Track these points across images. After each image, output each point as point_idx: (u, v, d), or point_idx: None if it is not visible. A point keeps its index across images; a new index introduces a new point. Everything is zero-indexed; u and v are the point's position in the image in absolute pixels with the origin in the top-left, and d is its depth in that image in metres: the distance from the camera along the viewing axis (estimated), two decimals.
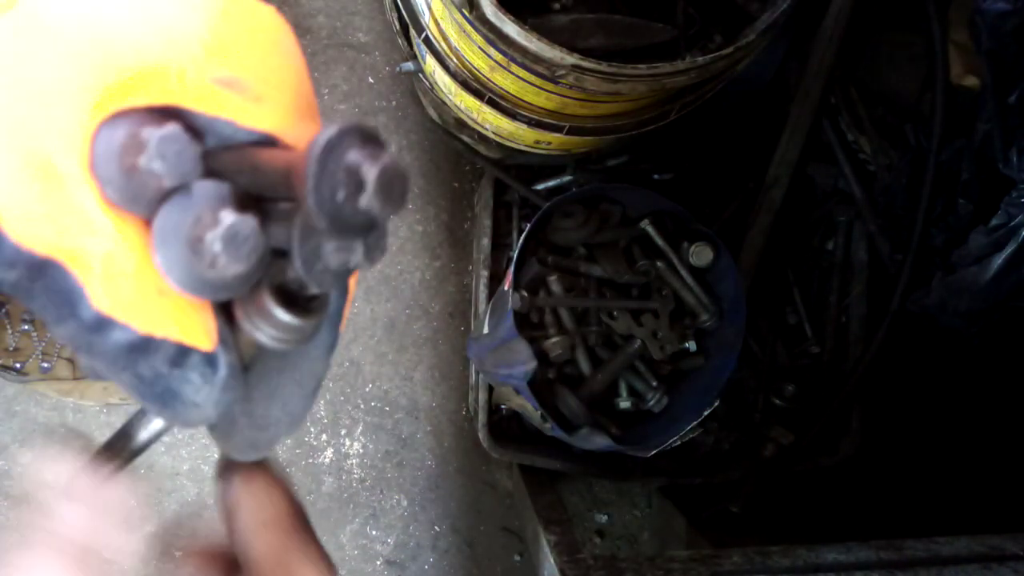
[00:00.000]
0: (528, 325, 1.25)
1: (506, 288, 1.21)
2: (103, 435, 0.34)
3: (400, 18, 1.34)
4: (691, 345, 1.27)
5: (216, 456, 0.37)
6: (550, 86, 1.04)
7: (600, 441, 1.17)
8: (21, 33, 0.26)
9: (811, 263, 1.56)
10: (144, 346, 0.28)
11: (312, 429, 1.67)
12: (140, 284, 0.27)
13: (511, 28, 0.94)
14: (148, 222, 0.27)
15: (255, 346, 0.31)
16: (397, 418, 1.69)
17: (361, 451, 1.68)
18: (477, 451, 1.67)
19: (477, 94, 1.18)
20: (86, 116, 0.26)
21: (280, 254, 0.27)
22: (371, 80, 1.71)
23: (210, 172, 0.27)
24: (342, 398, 1.68)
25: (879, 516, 1.51)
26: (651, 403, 1.27)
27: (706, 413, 1.21)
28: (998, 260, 1.13)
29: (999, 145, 1.14)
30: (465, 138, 1.55)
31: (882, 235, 1.48)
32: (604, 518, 1.73)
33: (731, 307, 1.25)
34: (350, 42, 1.70)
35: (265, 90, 0.30)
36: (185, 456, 1.64)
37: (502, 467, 1.71)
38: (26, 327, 1.50)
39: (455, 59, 1.17)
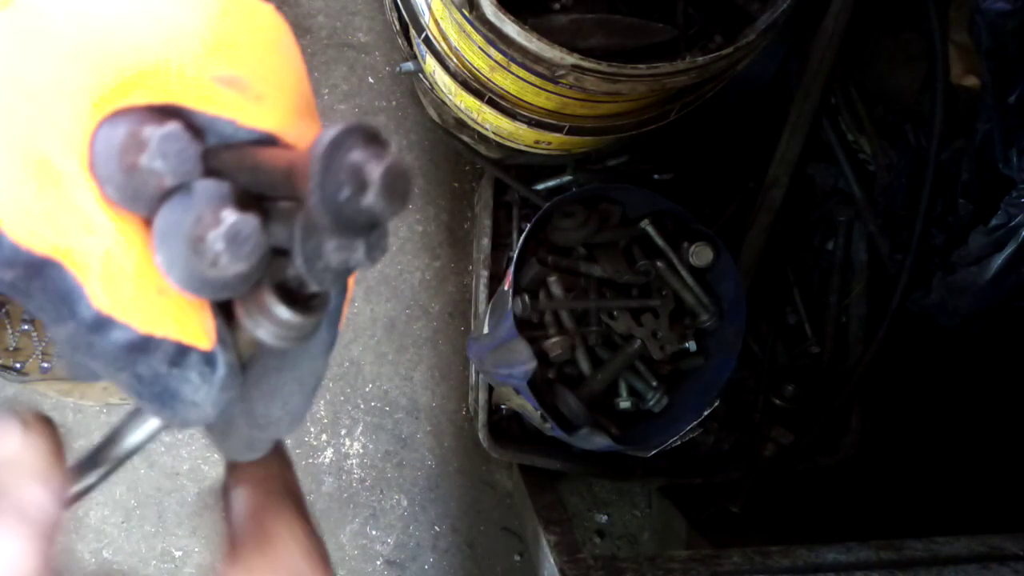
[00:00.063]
0: (528, 325, 1.25)
1: (506, 288, 1.21)
2: (103, 435, 0.33)
3: (400, 18, 1.34)
4: (691, 345, 1.27)
5: (216, 456, 0.37)
6: (550, 86, 1.04)
7: (600, 441, 1.17)
8: (19, 31, 0.26)
9: (811, 263, 1.56)
10: (143, 345, 0.28)
11: (312, 429, 1.67)
12: (140, 283, 0.27)
13: (511, 28, 0.94)
14: (147, 221, 0.27)
15: (254, 346, 0.31)
16: (397, 418, 1.70)
17: (361, 451, 1.68)
18: (477, 451, 1.67)
19: (477, 94, 1.18)
20: (85, 114, 0.26)
21: (280, 253, 0.27)
22: (371, 80, 1.71)
23: (210, 171, 0.27)
24: (342, 398, 1.68)
25: (879, 516, 1.51)
26: (651, 403, 1.27)
27: (706, 413, 1.21)
28: (998, 260, 1.13)
29: (999, 145, 1.14)
30: (465, 138, 1.55)
31: (882, 235, 1.48)
32: (604, 518, 1.73)
33: (731, 307, 1.25)
34: (350, 42, 1.70)
35: (265, 89, 0.29)
36: (185, 456, 1.64)
37: (502, 467, 1.71)
38: (26, 327, 1.50)
39: (455, 59, 1.17)
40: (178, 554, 1.64)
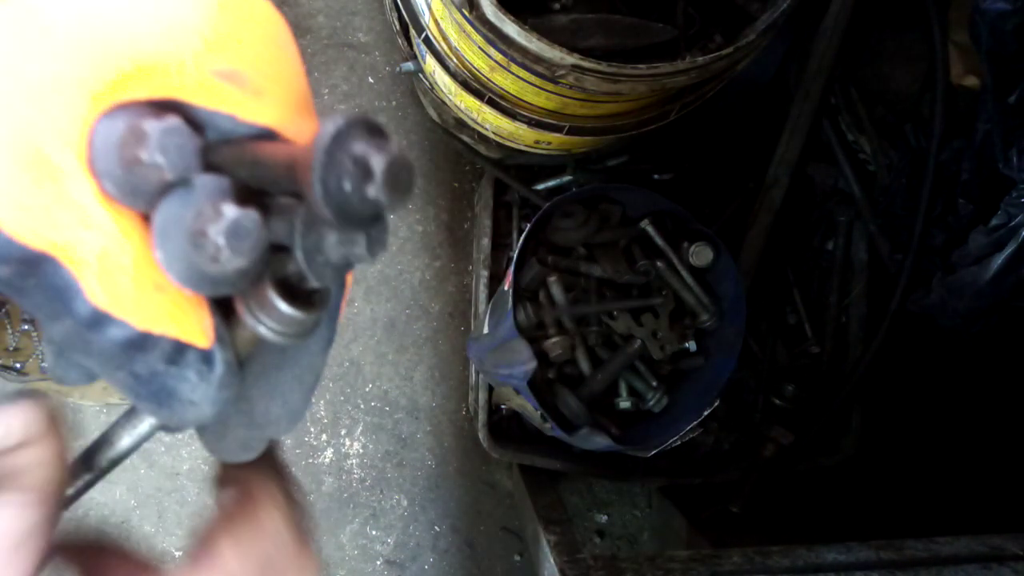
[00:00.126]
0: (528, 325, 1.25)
1: (506, 288, 1.21)
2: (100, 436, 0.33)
3: (400, 18, 1.34)
4: (691, 345, 1.27)
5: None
6: (550, 86, 1.04)
7: (600, 441, 1.17)
8: (16, 25, 0.25)
9: (811, 263, 1.56)
10: (141, 343, 0.27)
11: (312, 429, 1.67)
12: (138, 279, 0.27)
13: (511, 28, 0.94)
14: (145, 217, 0.27)
15: (252, 344, 0.31)
16: (397, 418, 1.69)
17: (361, 451, 1.68)
18: (477, 451, 1.67)
19: (477, 94, 1.18)
20: (83, 109, 0.26)
21: (280, 249, 0.27)
22: (371, 80, 1.71)
23: (210, 166, 0.27)
24: (342, 398, 1.68)
25: (879, 516, 1.51)
26: (651, 403, 1.27)
27: (706, 413, 1.21)
28: (998, 260, 1.13)
29: (999, 145, 1.14)
30: (465, 138, 1.55)
31: (882, 235, 1.48)
32: (604, 518, 1.73)
33: (731, 307, 1.25)
34: (350, 42, 1.70)
35: (265, 84, 0.29)
36: (185, 456, 1.64)
37: (502, 467, 1.71)
38: (26, 327, 1.50)
39: (455, 59, 1.17)
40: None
